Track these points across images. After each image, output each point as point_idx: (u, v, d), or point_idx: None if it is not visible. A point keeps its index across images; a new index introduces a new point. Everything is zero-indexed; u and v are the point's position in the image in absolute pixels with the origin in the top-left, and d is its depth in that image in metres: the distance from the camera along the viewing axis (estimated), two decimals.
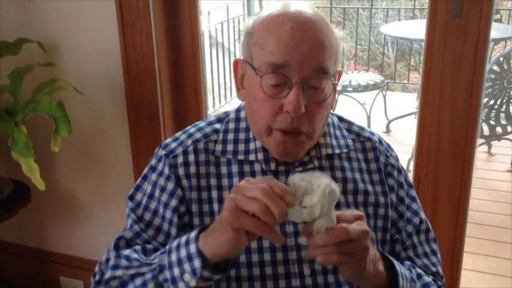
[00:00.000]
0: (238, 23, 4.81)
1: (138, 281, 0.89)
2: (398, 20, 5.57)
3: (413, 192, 1.12)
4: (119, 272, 0.92)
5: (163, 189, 1.00)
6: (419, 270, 1.04)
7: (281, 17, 0.92)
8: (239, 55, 1.04)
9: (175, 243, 0.87)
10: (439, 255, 1.10)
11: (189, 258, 0.83)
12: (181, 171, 1.00)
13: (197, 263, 0.82)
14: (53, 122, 1.69)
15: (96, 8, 1.85)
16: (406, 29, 4.33)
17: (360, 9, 6.08)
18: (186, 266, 0.83)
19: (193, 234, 0.85)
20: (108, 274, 0.94)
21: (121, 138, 1.98)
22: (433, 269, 1.07)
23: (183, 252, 0.84)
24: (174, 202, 0.99)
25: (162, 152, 1.04)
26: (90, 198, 2.15)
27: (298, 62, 0.90)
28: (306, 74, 0.91)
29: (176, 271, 0.84)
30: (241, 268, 0.95)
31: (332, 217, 0.79)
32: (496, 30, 3.37)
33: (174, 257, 0.85)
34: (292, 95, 0.90)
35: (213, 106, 4.35)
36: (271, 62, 0.91)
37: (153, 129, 1.93)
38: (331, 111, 1.02)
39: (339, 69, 0.99)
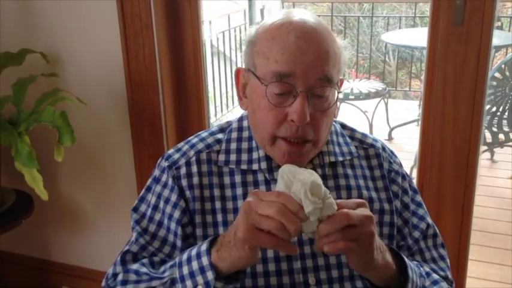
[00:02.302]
0: (240, 32, 4.82)
1: None
2: (399, 28, 5.59)
3: (418, 198, 1.11)
4: (129, 287, 0.92)
5: (167, 201, 1.00)
6: (427, 269, 1.03)
7: (285, 25, 0.93)
8: (241, 64, 1.04)
9: (185, 257, 0.87)
10: (447, 260, 1.09)
11: (202, 270, 0.84)
12: (184, 182, 1.00)
13: (210, 275, 0.83)
14: (56, 132, 1.70)
15: (98, 19, 1.86)
16: (407, 37, 4.34)
17: (360, 17, 6.11)
18: (199, 279, 0.84)
19: (204, 247, 0.85)
20: None
21: (124, 148, 1.99)
22: (442, 273, 1.05)
23: (195, 265, 0.85)
24: (177, 214, 0.99)
25: (165, 164, 1.03)
26: (93, 208, 2.14)
27: (303, 71, 0.90)
28: (310, 83, 0.91)
29: (189, 284, 0.85)
30: (246, 279, 0.95)
31: (331, 204, 0.79)
32: (497, 38, 3.37)
33: (185, 270, 0.85)
34: (297, 104, 0.90)
35: (215, 115, 4.36)
36: (276, 71, 0.91)
37: (155, 139, 1.93)
38: (333, 118, 1.02)
39: (341, 77, 0.99)
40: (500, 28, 4.68)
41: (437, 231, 1.11)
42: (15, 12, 1.97)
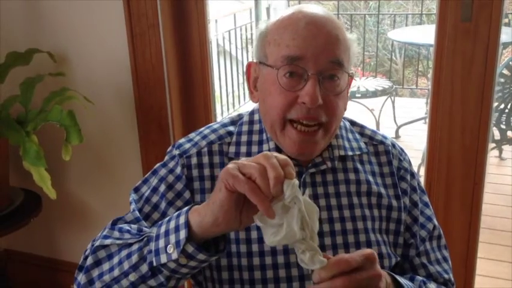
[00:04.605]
0: (246, 31, 4.82)
1: (124, 252, 0.86)
2: (406, 25, 5.57)
3: (426, 198, 1.11)
4: (108, 241, 0.90)
5: (170, 187, 0.99)
6: (433, 286, 1.02)
7: (295, 14, 0.95)
8: (250, 60, 1.05)
9: (168, 217, 0.84)
10: (450, 262, 1.10)
11: (176, 229, 0.79)
12: (195, 173, 1.00)
13: (182, 234, 0.78)
14: (63, 131, 1.70)
15: (105, 18, 1.86)
16: (413, 34, 4.33)
17: (366, 15, 6.09)
18: (172, 237, 0.79)
19: (186, 207, 0.82)
20: (97, 242, 0.91)
21: (131, 146, 1.99)
22: (446, 276, 1.06)
23: (172, 224, 0.81)
24: (179, 203, 0.98)
25: (175, 152, 1.03)
26: (100, 206, 2.15)
27: (314, 54, 0.91)
28: (322, 67, 0.92)
29: (161, 242, 0.80)
30: (242, 271, 0.95)
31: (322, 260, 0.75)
32: (505, 34, 3.36)
33: (163, 229, 0.81)
34: (308, 87, 0.91)
35: (222, 114, 4.36)
36: (287, 55, 0.92)
37: (162, 138, 1.93)
38: (345, 106, 1.01)
39: (351, 72, 0.99)
40: (508, 25, 4.64)
41: (442, 232, 1.11)
42: (23, 12, 1.98)
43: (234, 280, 0.96)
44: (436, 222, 1.10)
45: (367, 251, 0.79)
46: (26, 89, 1.80)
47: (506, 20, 4.52)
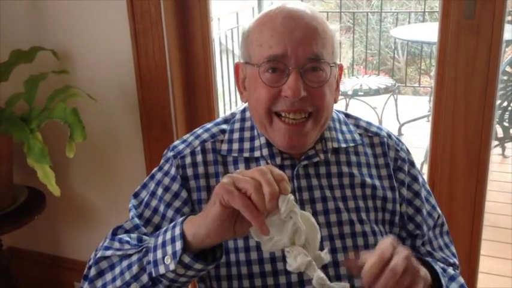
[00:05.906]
0: None
1: (125, 263, 0.88)
2: (408, 23, 5.56)
3: (427, 187, 1.13)
4: (108, 252, 0.92)
5: (167, 189, 1.01)
6: (441, 264, 1.04)
7: (273, 10, 0.97)
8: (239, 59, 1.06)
9: (165, 228, 0.86)
10: (453, 247, 1.12)
11: (173, 240, 0.81)
12: (189, 172, 1.01)
13: (178, 245, 0.80)
14: (67, 128, 1.71)
15: (108, 16, 1.86)
16: (416, 32, 4.32)
17: (369, 13, 6.07)
18: (169, 249, 0.81)
19: (181, 218, 0.84)
20: (99, 254, 0.93)
21: (134, 144, 2.00)
22: (451, 260, 1.09)
23: (168, 235, 0.83)
24: (177, 203, 1.00)
25: (170, 154, 1.05)
26: (104, 204, 2.16)
27: (293, 49, 0.92)
28: (302, 61, 0.93)
29: (159, 253, 0.83)
30: (240, 266, 0.97)
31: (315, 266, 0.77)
32: (508, 32, 3.34)
33: (160, 239, 0.84)
34: (290, 81, 0.92)
35: (224, 112, 4.36)
36: (269, 55, 0.93)
37: (166, 136, 1.94)
38: (335, 97, 1.02)
39: (338, 62, 1.00)
40: (511, 22, 4.63)
41: (444, 219, 1.13)
42: (26, 10, 1.98)
43: (232, 276, 0.97)
44: (439, 211, 1.12)
45: (405, 252, 0.80)
46: (30, 87, 1.81)
47: (510, 18, 4.51)
